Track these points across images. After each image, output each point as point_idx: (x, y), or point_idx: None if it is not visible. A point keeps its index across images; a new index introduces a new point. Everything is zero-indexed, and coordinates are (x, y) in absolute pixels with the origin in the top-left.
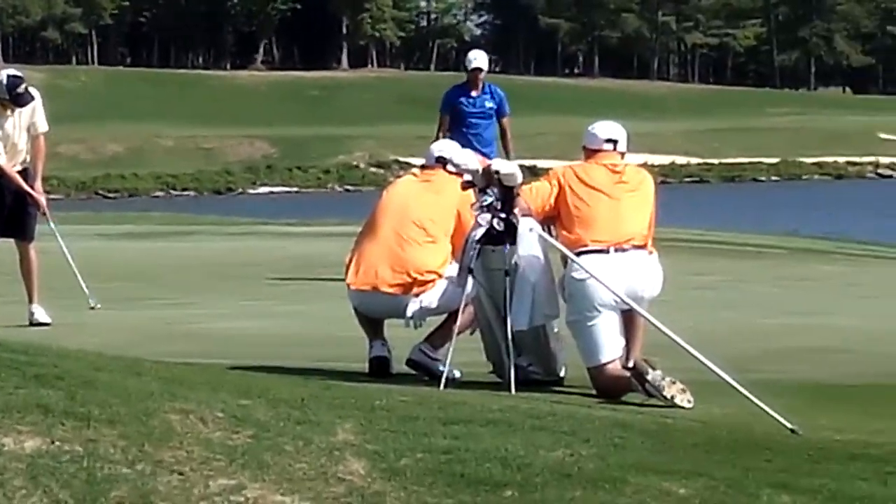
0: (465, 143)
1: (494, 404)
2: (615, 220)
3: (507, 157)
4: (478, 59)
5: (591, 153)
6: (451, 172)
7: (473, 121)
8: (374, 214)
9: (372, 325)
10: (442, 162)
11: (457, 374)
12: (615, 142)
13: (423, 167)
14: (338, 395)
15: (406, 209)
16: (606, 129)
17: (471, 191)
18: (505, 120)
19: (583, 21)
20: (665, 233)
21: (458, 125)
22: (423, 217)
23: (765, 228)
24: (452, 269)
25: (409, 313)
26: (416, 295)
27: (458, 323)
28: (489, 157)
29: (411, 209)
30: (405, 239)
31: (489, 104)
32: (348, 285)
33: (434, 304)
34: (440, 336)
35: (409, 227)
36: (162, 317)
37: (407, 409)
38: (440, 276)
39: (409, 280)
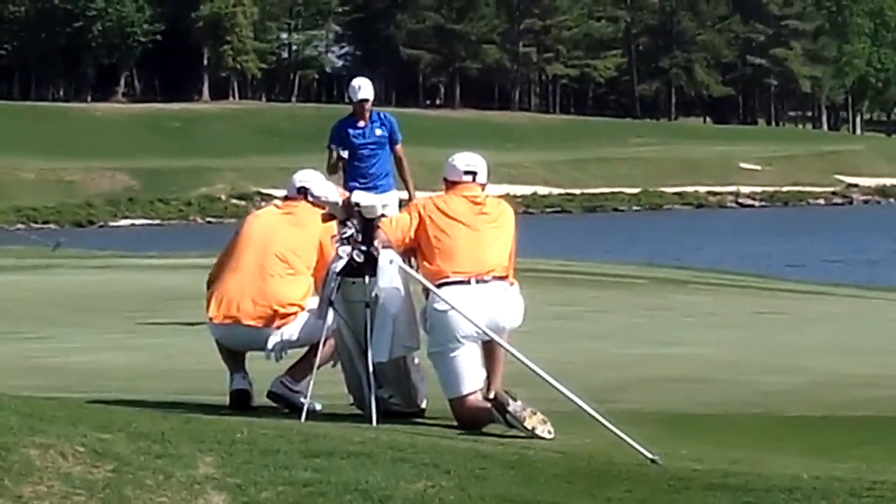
0: (360, 177)
1: (356, 436)
2: (476, 251)
3: (406, 187)
4: (363, 88)
5: (451, 185)
6: (312, 204)
7: (365, 153)
8: (236, 246)
9: (233, 357)
10: (304, 192)
11: (318, 406)
12: (475, 173)
13: (285, 198)
14: (199, 428)
15: (268, 241)
16: (465, 160)
17: (333, 222)
18: (398, 147)
19: (444, 52)
20: (526, 263)
21: (350, 159)
22: (285, 249)
23: (625, 258)
24: (314, 302)
25: (270, 346)
26: (278, 327)
27: (319, 355)
28: (385, 190)
29: (273, 241)
30: (267, 271)
31: (379, 132)
32: (210, 318)
33: (295, 337)
34: (301, 368)
35: (271, 259)
36: (21, 351)
37: (268, 442)
38: (302, 308)
39: (271, 312)
